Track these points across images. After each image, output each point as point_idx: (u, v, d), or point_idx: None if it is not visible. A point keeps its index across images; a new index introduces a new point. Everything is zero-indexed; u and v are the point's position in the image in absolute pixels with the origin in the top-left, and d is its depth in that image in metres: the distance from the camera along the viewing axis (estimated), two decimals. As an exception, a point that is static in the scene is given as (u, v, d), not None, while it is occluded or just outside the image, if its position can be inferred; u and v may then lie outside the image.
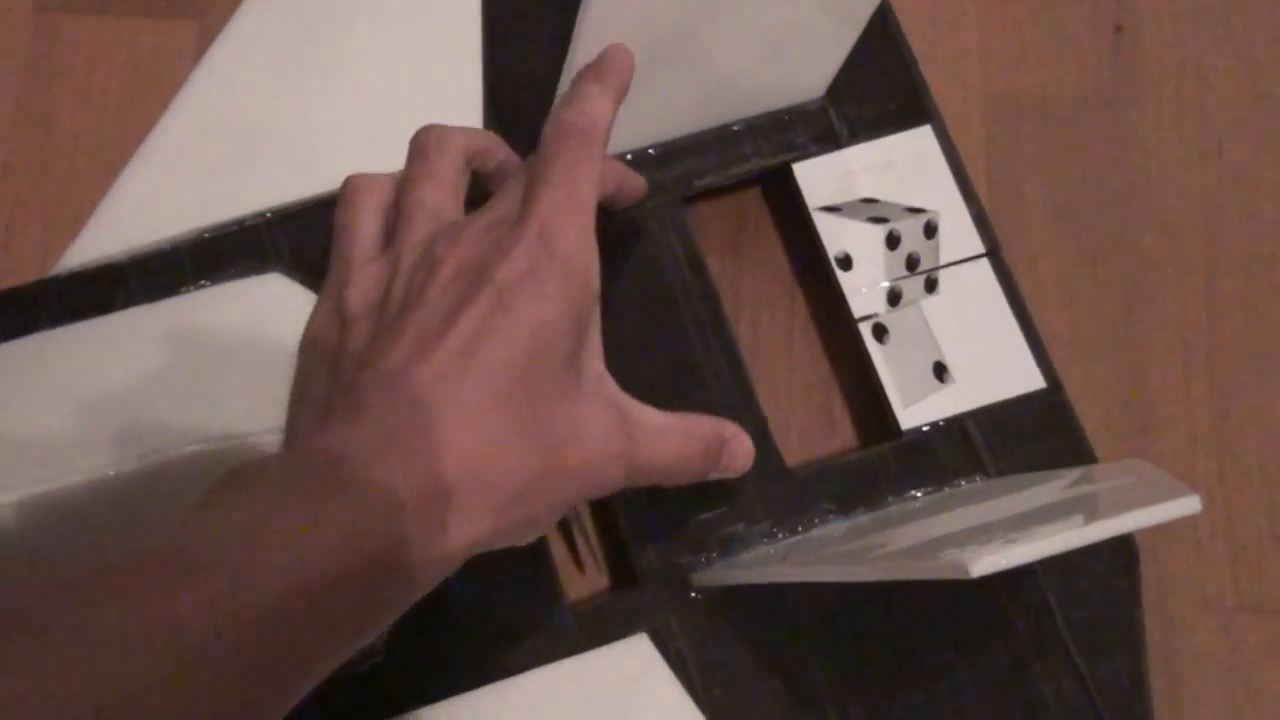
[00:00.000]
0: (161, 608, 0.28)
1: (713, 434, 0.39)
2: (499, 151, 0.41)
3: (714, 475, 0.40)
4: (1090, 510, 0.33)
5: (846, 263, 0.45)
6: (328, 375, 0.36)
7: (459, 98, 0.46)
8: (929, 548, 0.34)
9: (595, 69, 0.38)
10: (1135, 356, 0.48)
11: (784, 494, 0.42)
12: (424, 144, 0.39)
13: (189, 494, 0.40)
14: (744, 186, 0.48)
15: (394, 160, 0.45)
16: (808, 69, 0.46)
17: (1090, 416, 0.46)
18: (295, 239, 0.44)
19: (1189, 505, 0.31)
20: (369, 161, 0.45)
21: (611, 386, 0.37)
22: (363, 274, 0.37)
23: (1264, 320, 0.48)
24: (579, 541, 0.44)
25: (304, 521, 0.30)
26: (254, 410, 0.42)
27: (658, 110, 0.44)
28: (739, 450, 0.40)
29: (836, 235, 0.45)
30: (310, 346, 0.38)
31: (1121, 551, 0.42)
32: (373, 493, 0.31)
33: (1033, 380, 0.44)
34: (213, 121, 0.45)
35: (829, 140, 0.47)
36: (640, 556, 0.42)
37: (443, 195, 0.38)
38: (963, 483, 0.43)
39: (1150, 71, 0.51)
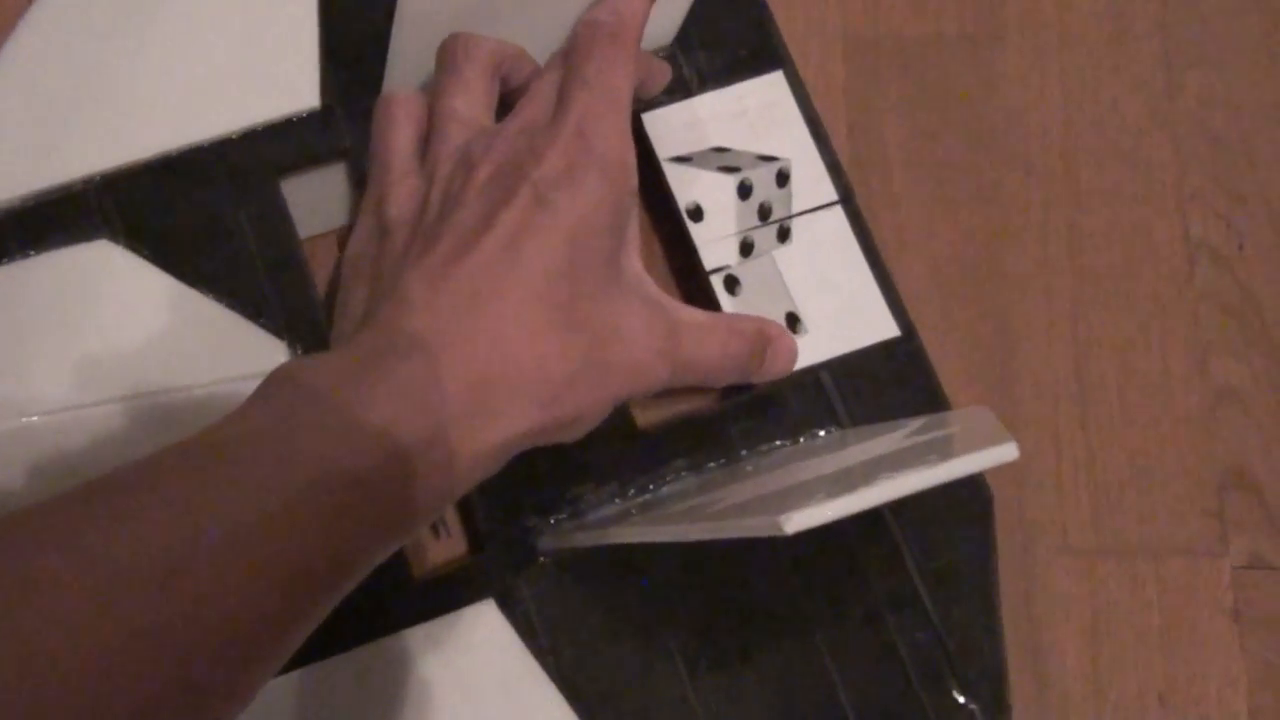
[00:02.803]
0: (196, 494, 0.28)
1: (756, 332, 0.39)
2: (526, 63, 0.40)
3: (756, 377, 0.40)
4: (918, 461, 0.32)
5: (697, 214, 0.44)
6: (368, 283, 0.37)
7: (294, 47, 0.44)
8: (758, 504, 0.33)
9: None
10: (998, 300, 0.47)
11: (632, 452, 0.42)
12: (452, 52, 0.39)
13: (18, 472, 0.40)
14: (596, 137, 0.47)
15: (226, 119, 0.44)
16: (656, 14, 0.44)
17: (953, 363, 0.46)
18: (125, 204, 0.42)
19: (1006, 453, 0.30)
20: (201, 119, 0.44)
21: (651, 285, 0.38)
22: (400, 186, 0.38)
23: (1126, 260, 0.48)
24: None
25: (344, 411, 0.30)
26: (84, 384, 0.40)
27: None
28: (782, 350, 0.40)
29: (687, 186, 0.44)
30: (351, 260, 0.38)
31: (974, 498, 0.42)
32: (414, 384, 0.31)
33: (887, 328, 0.43)
34: (35, 82, 0.44)
35: (679, 89, 0.45)
36: (486, 520, 0.41)
37: (473, 102, 0.39)
38: (819, 434, 0.43)
39: (1011, 9, 0.50)
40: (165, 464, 0.29)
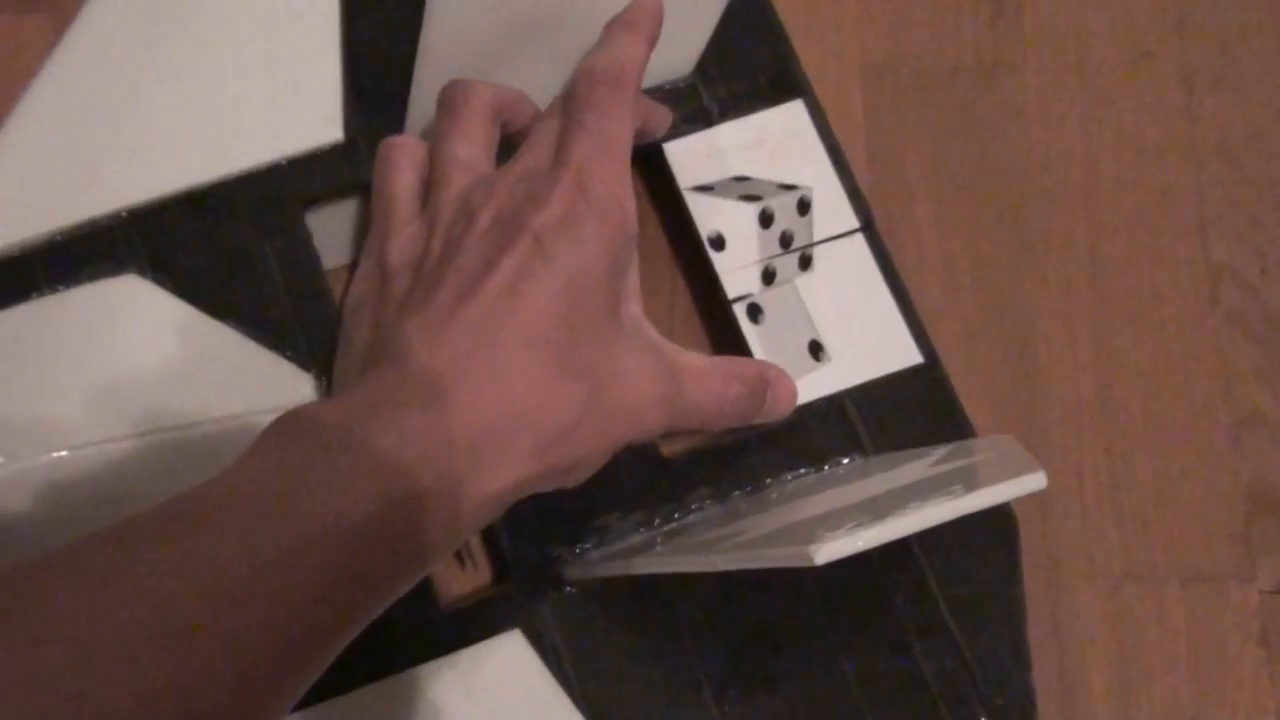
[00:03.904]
0: (196, 553, 0.28)
1: (756, 376, 0.39)
2: (527, 107, 0.41)
3: (758, 419, 0.40)
4: (945, 490, 0.32)
5: (719, 243, 0.44)
6: (370, 327, 0.37)
7: (318, 81, 0.45)
8: (786, 534, 0.33)
9: (623, 16, 0.39)
10: (1020, 327, 0.47)
11: (658, 482, 0.42)
12: (452, 99, 0.40)
13: (47, 506, 0.40)
14: (617, 168, 0.47)
15: (251, 153, 0.44)
16: (674, 46, 0.45)
17: (977, 390, 0.46)
18: (152, 239, 0.43)
19: (1035, 482, 0.30)
20: (227, 154, 0.44)
21: (651, 330, 0.38)
22: (402, 231, 0.38)
23: (1147, 285, 0.48)
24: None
25: (342, 465, 0.30)
26: (112, 418, 0.41)
27: (526, 90, 0.43)
28: (783, 392, 0.40)
29: (709, 215, 0.44)
30: (353, 304, 0.39)
31: (1000, 526, 0.42)
32: (415, 435, 0.31)
33: (910, 356, 0.43)
34: (63, 118, 0.44)
35: (699, 118, 0.46)
36: (513, 550, 0.41)
37: (474, 148, 0.39)
38: (843, 462, 0.43)
39: (1029, 37, 0.50)
40: (166, 520, 0.29)
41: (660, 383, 0.36)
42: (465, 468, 0.32)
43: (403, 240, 0.38)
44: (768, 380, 0.40)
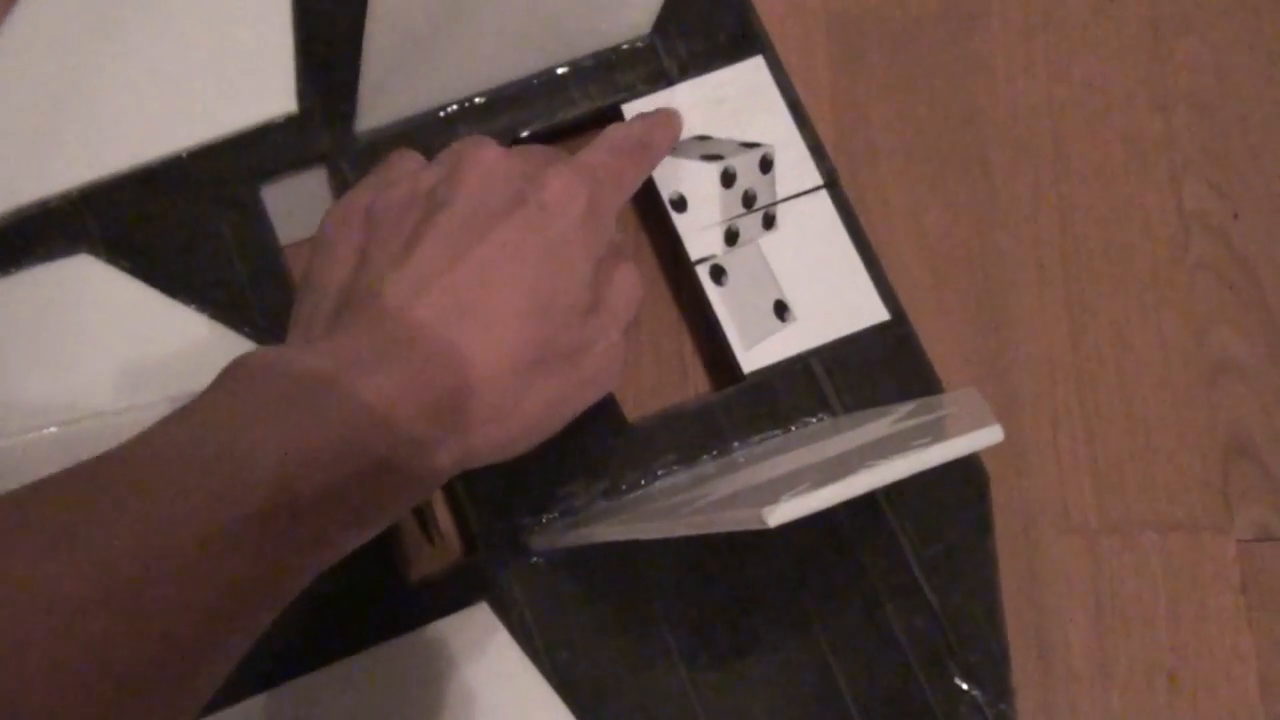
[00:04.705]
0: (139, 518, 0.27)
1: (624, 139, 0.40)
2: None
3: (657, 158, 0.42)
4: (904, 447, 0.32)
5: (681, 204, 0.44)
6: (346, 271, 0.36)
7: (269, 52, 0.44)
8: (745, 497, 0.33)
9: (650, 119, 0.42)
10: (990, 279, 0.47)
11: (623, 448, 0.41)
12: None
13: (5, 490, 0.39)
14: (577, 132, 0.46)
15: (203, 127, 0.43)
16: (631, 5, 0.44)
17: (948, 344, 0.45)
18: (104, 218, 0.42)
19: (990, 436, 0.30)
20: (179, 129, 0.43)
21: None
22: (400, 183, 0.37)
23: (1117, 235, 0.47)
24: (427, 514, 0.42)
25: (303, 422, 0.30)
26: (69, 401, 0.40)
27: (478, 55, 0.42)
28: (658, 121, 0.41)
29: (670, 176, 0.44)
30: (328, 243, 0.37)
31: (969, 481, 0.41)
32: (371, 407, 0.31)
33: (876, 313, 0.43)
34: (10, 98, 0.43)
35: (659, 78, 0.45)
36: (478, 522, 0.40)
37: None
38: (812, 422, 0.42)
39: (994, -15, 0.49)
40: (110, 472, 0.28)
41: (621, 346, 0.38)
42: (423, 438, 0.32)
43: (400, 190, 0.37)
44: (635, 131, 0.40)
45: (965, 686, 0.40)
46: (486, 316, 0.34)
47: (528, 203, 0.35)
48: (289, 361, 0.31)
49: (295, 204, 0.44)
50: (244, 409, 0.30)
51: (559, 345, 0.35)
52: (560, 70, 0.45)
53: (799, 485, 0.31)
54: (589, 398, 0.37)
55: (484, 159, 0.36)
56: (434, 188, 0.36)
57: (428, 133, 0.44)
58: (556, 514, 0.40)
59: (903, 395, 0.42)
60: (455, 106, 0.44)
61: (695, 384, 0.45)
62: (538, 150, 0.38)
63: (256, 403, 0.30)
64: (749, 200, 0.44)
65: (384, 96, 0.43)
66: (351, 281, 0.36)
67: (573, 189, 0.36)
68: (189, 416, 0.30)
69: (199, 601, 0.27)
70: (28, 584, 0.26)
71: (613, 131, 0.40)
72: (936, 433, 0.32)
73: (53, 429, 0.40)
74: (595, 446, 0.41)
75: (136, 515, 0.27)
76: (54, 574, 0.26)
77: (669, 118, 0.42)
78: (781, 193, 0.44)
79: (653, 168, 0.41)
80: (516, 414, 0.34)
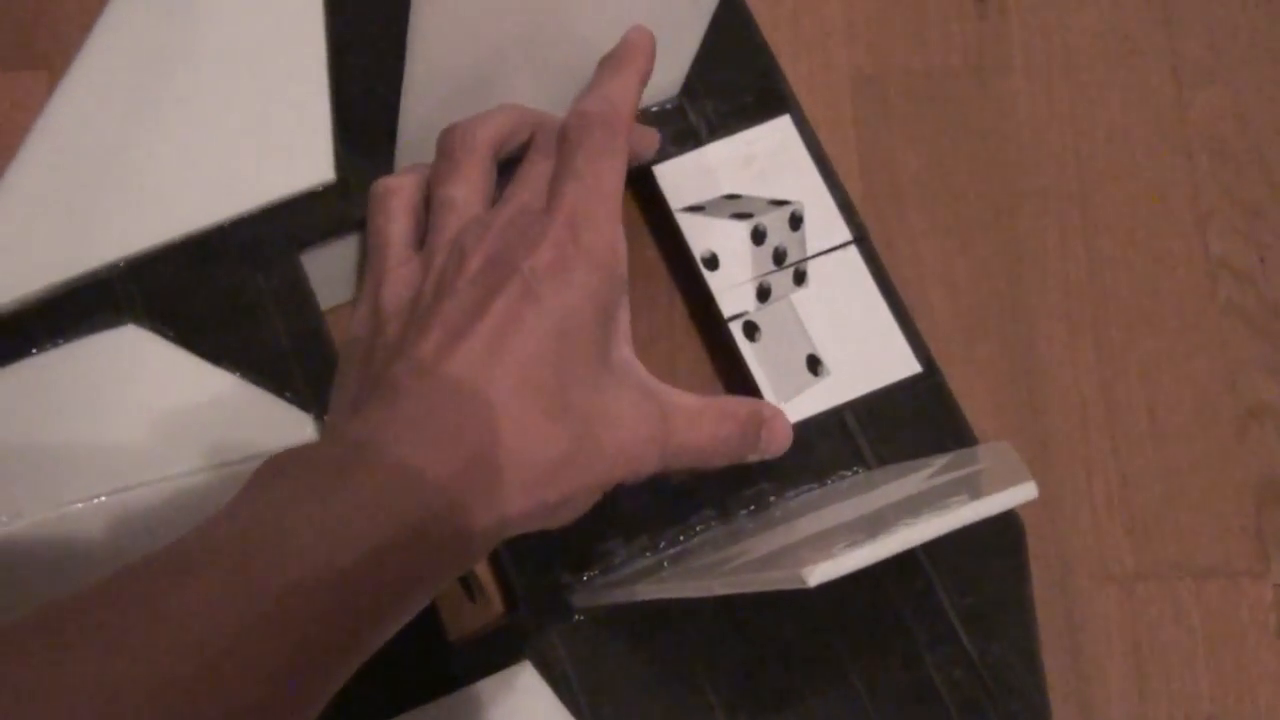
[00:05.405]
0: (178, 605, 0.28)
1: (749, 415, 0.39)
2: (522, 132, 0.41)
3: (753, 457, 0.40)
4: (939, 504, 0.32)
5: (713, 262, 0.44)
6: (360, 369, 0.37)
7: (308, 122, 0.45)
8: (783, 556, 0.33)
9: (613, 55, 0.39)
10: (1020, 329, 0.47)
11: (662, 505, 0.42)
12: (450, 143, 0.40)
13: (56, 562, 0.40)
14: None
15: (244, 197, 0.44)
16: (660, 68, 0.44)
17: (980, 395, 0.46)
18: (149, 288, 0.43)
19: (1025, 493, 0.30)
20: (220, 200, 0.44)
21: (641, 372, 0.38)
22: (396, 275, 0.39)
23: (1145, 281, 0.47)
24: (467, 571, 0.43)
25: (333, 506, 0.31)
26: (117, 469, 0.41)
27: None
28: (778, 430, 0.40)
29: (702, 235, 0.45)
30: (349, 346, 0.39)
31: (1005, 531, 0.41)
32: (400, 475, 0.32)
33: (908, 365, 0.43)
34: (57, 172, 0.44)
35: (688, 139, 0.46)
36: (520, 580, 0.41)
37: (470, 191, 0.39)
38: (847, 476, 0.43)
39: (1015, 36, 0.50)
40: (154, 572, 0.29)
41: (650, 423, 0.36)
42: (450, 509, 0.32)
43: (396, 284, 0.38)
44: (762, 418, 0.39)
45: (1006, 737, 0.40)
46: (491, 391, 0.34)
47: (521, 272, 0.35)
48: (316, 448, 0.33)
49: (335, 269, 0.45)
50: (281, 500, 0.31)
51: (573, 409, 0.35)
52: (591, 133, 0.46)
53: (837, 542, 0.31)
54: (614, 468, 0.36)
55: (487, 237, 0.37)
56: (441, 275, 0.37)
57: (463, 198, 0.44)
58: (596, 571, 0.41)
59: (936, 446, 0.43)
60: (489, 170, 0.45)
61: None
62: (532, 199, 0.38)
63: (289, 492, 0.31)
64: (780, 257, 0.44)
65: (421, 160, 0.44)
66: (364, 376, 0.37)
67: (560, 243, 0.36)
68: (227, 517, 0.31)
69: (248, 692, 0.28)
70: (75, 680, 0.27)
71: (575, 128, 0.38)
72: (971, 489, 0.33)
73: (102, 498, 0.40)
74: (633, 503, 0.41)
75: (189, 608, 0.28)
76: (100, 672, 0.27)
77: (621, 61, 0.39)
78: (812, 249, 0.44)
79: (627, 137, 0.38)
80: (545, 481, 0.34)
